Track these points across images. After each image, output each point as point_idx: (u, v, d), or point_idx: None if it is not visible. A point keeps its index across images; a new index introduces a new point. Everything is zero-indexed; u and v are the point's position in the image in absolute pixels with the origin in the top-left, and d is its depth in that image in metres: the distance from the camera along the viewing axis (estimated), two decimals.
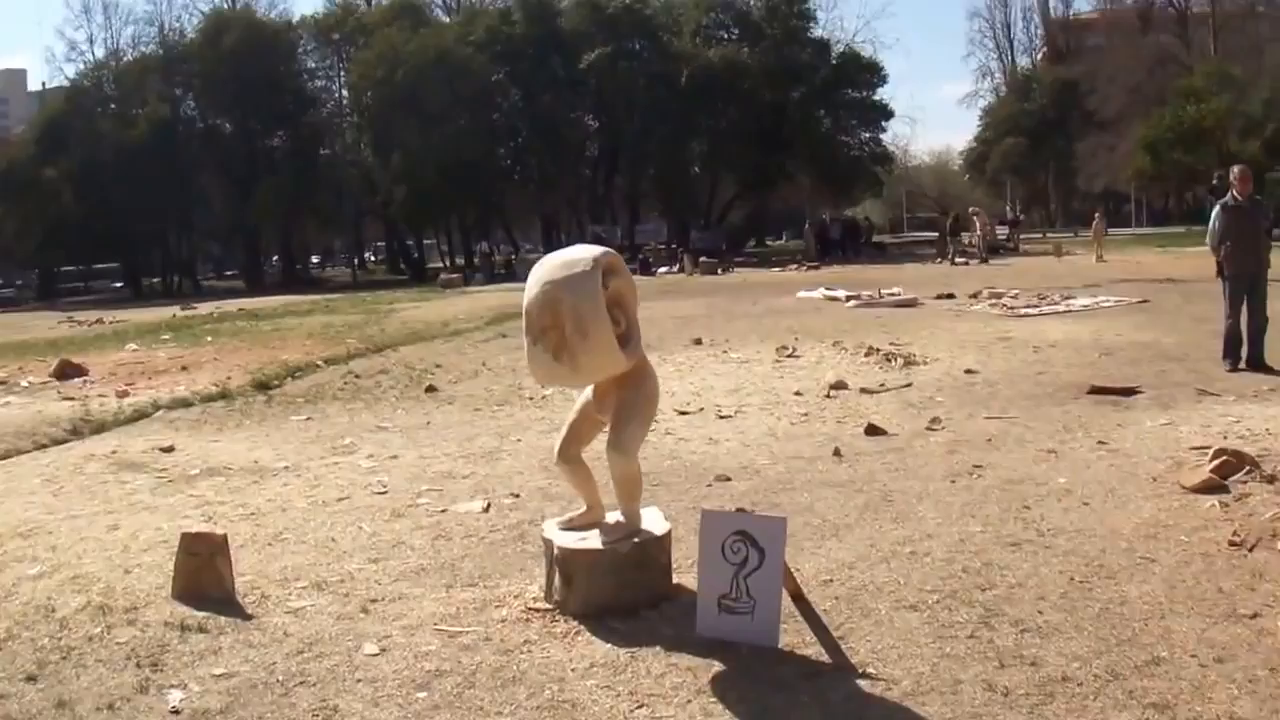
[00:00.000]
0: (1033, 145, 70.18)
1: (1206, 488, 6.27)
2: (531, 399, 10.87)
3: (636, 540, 4.89)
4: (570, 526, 5.04)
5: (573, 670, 4.25)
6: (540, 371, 4.83)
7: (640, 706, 3.94)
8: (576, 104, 52.35)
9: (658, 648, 4.43)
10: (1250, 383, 9.75)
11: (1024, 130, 70.86)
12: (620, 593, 4.79)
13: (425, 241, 60.42)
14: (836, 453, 7.75)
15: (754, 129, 50.92)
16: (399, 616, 4.84)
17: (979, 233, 37.96)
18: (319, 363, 14.56)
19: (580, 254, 4.73)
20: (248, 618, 4.86)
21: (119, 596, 5.14)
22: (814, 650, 4.41)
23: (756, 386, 10.88)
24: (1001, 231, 45.26)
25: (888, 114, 56.15)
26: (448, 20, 59.06)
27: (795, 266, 38.35)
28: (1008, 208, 70.60)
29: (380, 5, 56.31)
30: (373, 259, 68.56)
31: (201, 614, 4.86)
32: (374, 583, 5.30)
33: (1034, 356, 12.05)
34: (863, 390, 10.34)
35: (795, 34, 53.08)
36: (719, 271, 37.25)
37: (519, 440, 8.76)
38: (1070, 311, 16.97)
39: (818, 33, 56.46)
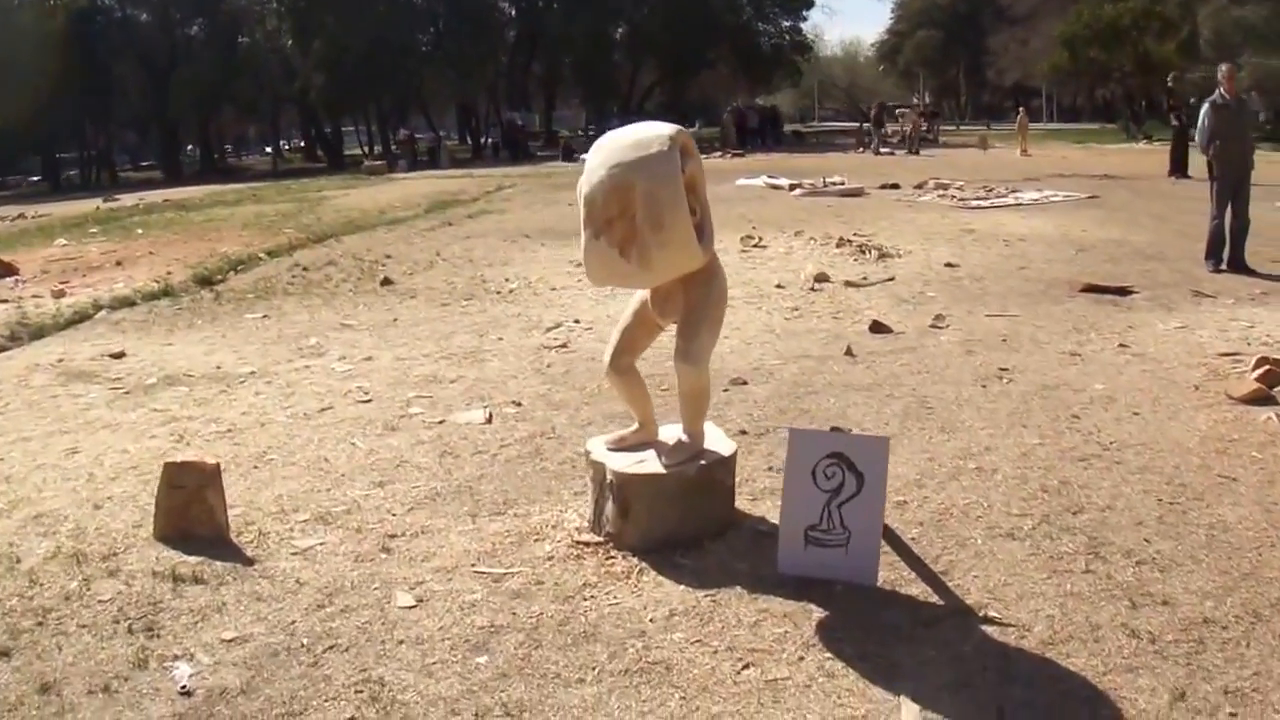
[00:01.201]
0: (946, 38, 69.31)
1: (1255, 398, 5.82)
2: (499, 293, 9.98)
3: (703, 462, 4.16)
4: (621, 446, 4.28)
5: (651, 621, 3.54)
6: (600, 270, 4.00)
7: (746, 666, 3.26)
8: None
9: (738, 588, 3.76)
10: (1239, 284, 9.29)
11: (937, 23, 69.88)
12: (683, 523, 4.08)
13: (343, 130, 57.78)
14: (849, 352, 7.10)
15: (676, 15, 49.08)
16: (427, 556, 4.07)
17: (909, 126, 37.61)
18: (261, 255, 13.39)
19: (652, 131, 3.89)
20: (249, 562, 4.04)
21: (93, 539, 4.27)
22: (918, 590, 3.76)
23: (733, 278, 10.08)
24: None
25: (809, 3, 54.70)
26: None
27: (719, 154, 37.29)
28: (915, 99, 69.89)
29: None
30: (287, 147, 65.43)
31: (194, 559, 4.03)
32: (386, 513, 4.51)
33: (1008, 251, 11.47)
34: (847, 283, 9.67)
35: None
36: None
37: (500, 339, 7.92)
38: (1021, 205, 16.43)
39: None
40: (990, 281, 9.69)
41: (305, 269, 12.13)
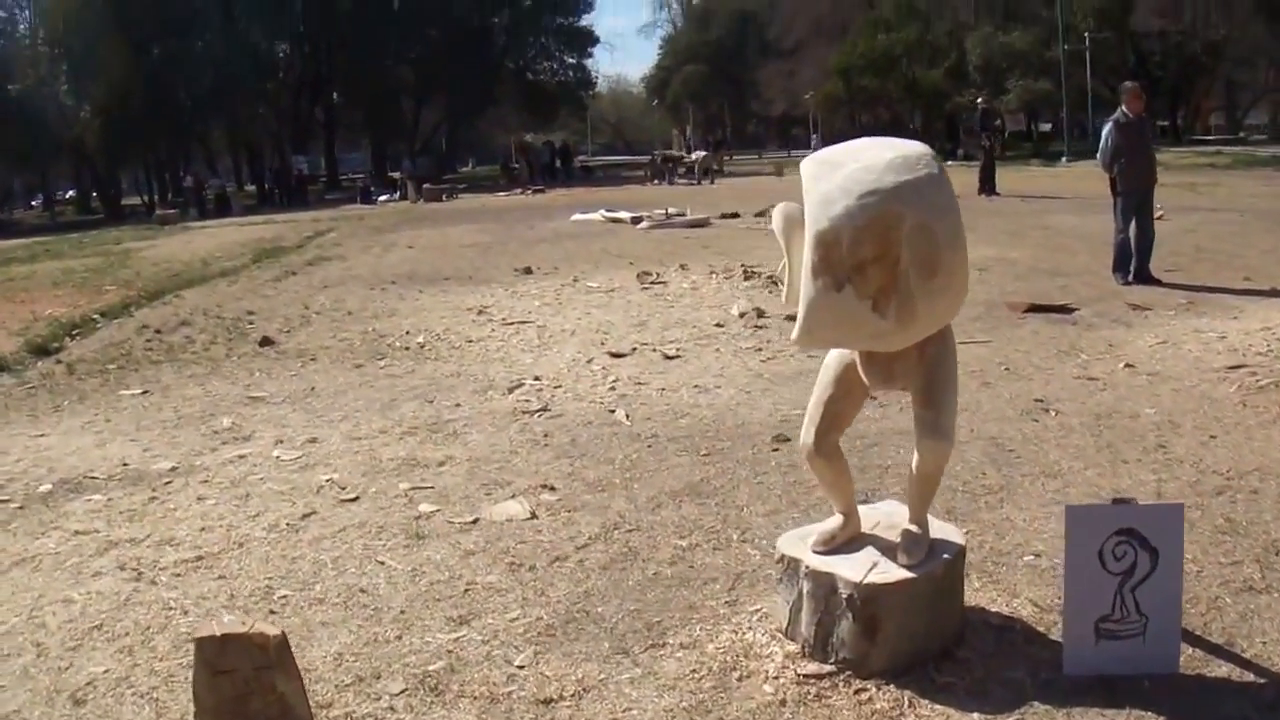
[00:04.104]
0: (711, 72, 70.70)
1: None
2: (408, 349, 8.60)
3: (945, 556, 3.20)
4: (832, 547, 3.24)
5: None
6: (831, 330, 2.94)
7: None
8: (282, 31, 46.77)
9: (1038, 704, 2.88)
10: (1158, 296, 9.13)
11: (703, 58, 71.21)
12: (930, 634, 3.14)
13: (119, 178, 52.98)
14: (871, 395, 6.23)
15: (464, 54, 47.74)
16: None
17: (699, 163, 37.75)
18: (94, 316, 11.35)
19: (910, 149, 2.91)
20: None
21: None
22: (1225, 669, 3.00)
23: (662, 319, 9.15)
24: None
25: (593, 39, 54.54)
26: None
27: (520, 190, 36.19)
28: (675, 131, 70.56)
29: None
30: (60, 198, 59.45)
31: None
32: (504, 664, 3.27)
33: None
34: (788, 318, 8.81)
35: None
36: (444, 198, 34.20)
37: (457, 405, 6.61)
38: None
39: None
40: None
41: (158, 331, 10.28)
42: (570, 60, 54.62)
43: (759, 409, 6.12)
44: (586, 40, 54.35)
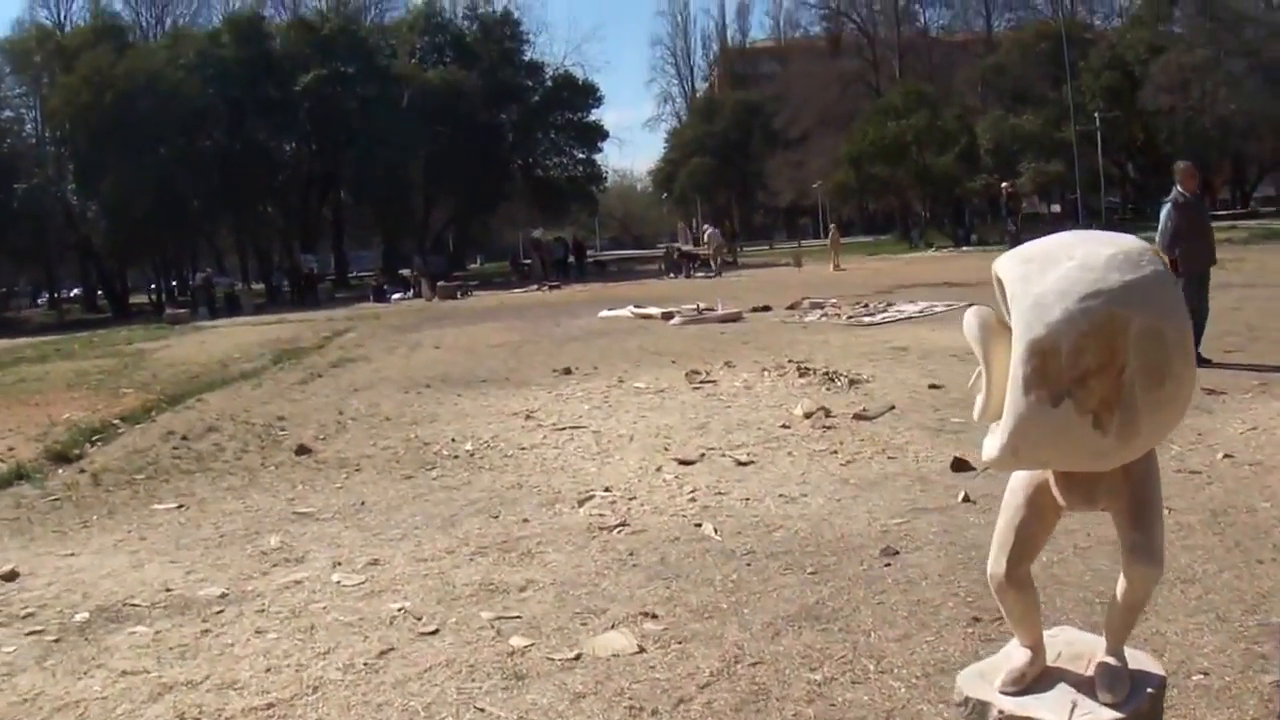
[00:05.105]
0: (718, 164, 71.50)
1: None
2: (457, 458, 8.20)
3: (1150, 691, 2.84)
4: (1023, 686, 2.84)
5: None
6: (1044, 450, 2.58)
7: None
8: (290, 129, 47.35)
9: None
10: (1230, 378, 8.93)
11: (709, 150, 72.08)
12: None
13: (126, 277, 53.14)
14: (966, 498, 5.86)
15: (473, 151, 48.27)
16: None
17: (712, 250, 37.86)
18: (115, 421, 11.00)
19: (1130, 243, 2.59)
20: None
21: None
22: None
23: (723, 422, 8.76)
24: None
25: (603, 134, 55.24)
26: (152, 42, 52.10)
27: (536, 287, 36.18)
28: (680, 224, 71.19)
29: (79, 27, 48.78)
30: (65, 297, 59.69)
31: None
32: None
33: (964, 365, 10.56)
34: (855, 417, 8.48)
35: (509, 56, 50.98)
36: (459, 295, 34.20)
37: (526, 520, 6.18)
38: (911, 318, 15.96)
39: (530, 55, 54.67)
40: None
41: (185, 438, 9.91)
42: (580, 155, 55.17)
43: (855, 519, 5.70)
44: (596, 135, 55.02)
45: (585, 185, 55.26)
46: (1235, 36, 41.92)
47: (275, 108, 44.48)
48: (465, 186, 50.55)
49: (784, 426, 8.34)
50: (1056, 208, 50.54)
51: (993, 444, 2.63)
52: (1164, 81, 40.61)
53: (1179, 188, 9.80)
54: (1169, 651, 3.74)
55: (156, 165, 39.24)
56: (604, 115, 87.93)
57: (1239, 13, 42.65)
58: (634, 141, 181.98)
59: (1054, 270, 2.50)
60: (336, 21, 47.86)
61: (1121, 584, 2.81)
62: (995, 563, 2.90)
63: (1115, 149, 40.18)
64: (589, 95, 53.74)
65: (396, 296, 37.02)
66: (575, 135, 54.32)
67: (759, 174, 66.82)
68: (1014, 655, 2.95)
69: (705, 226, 42.48)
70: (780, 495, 6.29)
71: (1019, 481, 2.92)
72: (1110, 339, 2.41)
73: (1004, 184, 24.26)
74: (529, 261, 44.77)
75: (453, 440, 8.80)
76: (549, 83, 53.46)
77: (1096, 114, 40.44)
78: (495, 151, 50.08)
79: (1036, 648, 2.95)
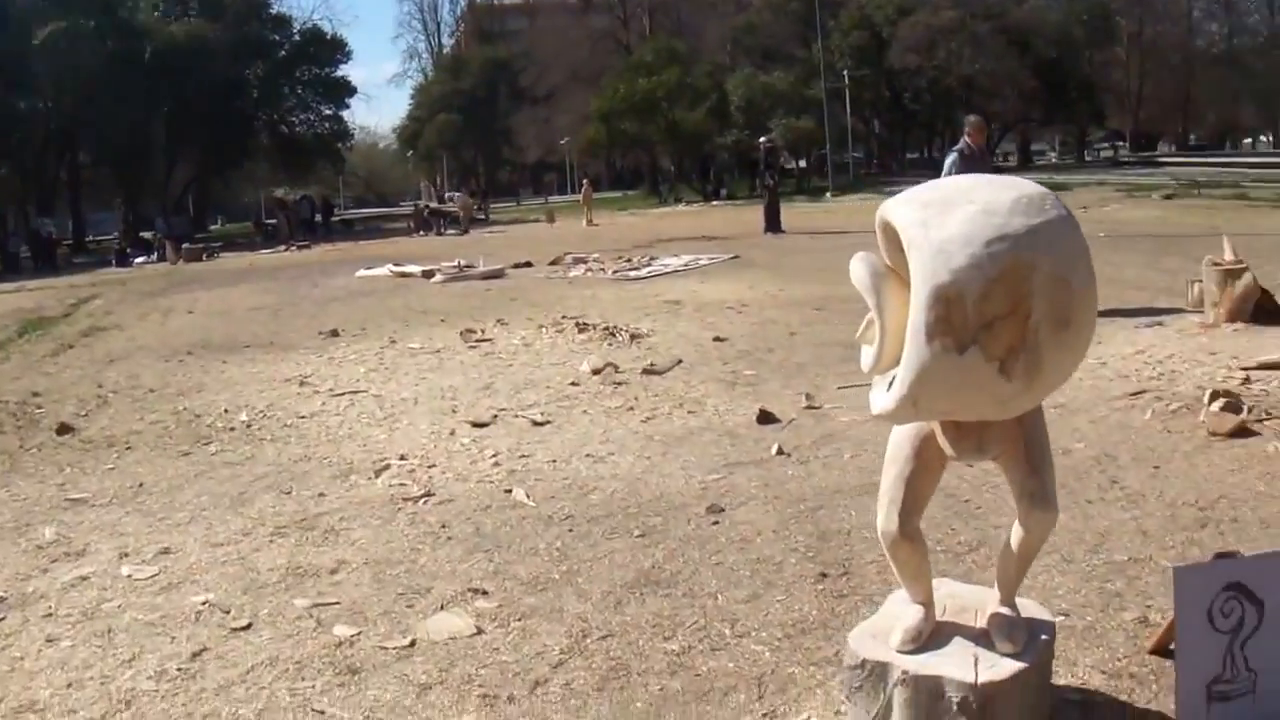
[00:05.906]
0: (465, 122, 70.26)
1: (1239, 430, 5.59)
2: (234, 429, 7.54)
3: (1044, 638, 2.90)
4: (920, 644, 2.82)
5: None
6: (950, 398, 2.52)
7: None
8: (26, 86, 42.42)
9: None
10: None
11: (456, 107, 70.68)
12: None
13: None
14: (780, 451, 5.91)
15: (217, 107, 45.12)
16: None
17: (459, 207, 37.44)
18: None
19: (1031, 187, 2.55)
20: None
21: None
22: None
23: (508, 381, 8.51)
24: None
25: (350, 90, 52.96)
26: None
27: (284, 248, 34.35)
28: (424, 181, 69.71)
29: None
30: None
31: None
32: None
33: (754, 318, 10.92)
34: (644, 371, 8.45)
35: (256, 9, 47.85)
36: (205, 258, 32.12)
37: (321, 494, 5.69)
38: (677, 271, 16.18)
39: (277, 8, 51.60)
40: (781, 351, 9.00)
41: None
42: (327, 112, 52.73)
43: (670, 477, 5.63)
44: (343, 91, 52.73)
45: (332, 142, 52.87)
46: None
47: (9, 63, 39.82)
48: (209, 145, 47.32)
49: (573, 384, 8.19)
50: (803, 163, 52.81)
51: (887, 395, 2.56)
52: (911, 42, 42.96)
53: (967, 139, 10.16)
54: (1026, 595, 3.83)
55: None
56: (351, 71, 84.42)
57: None
58: (380, 98, 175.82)
59: (955, 214, 2.43)
60: None
61: (1017, 532, 2.81)
62: (887, 519, 2.85)
63: (863, 106, 42.11)
64: (337, 50, 51.39)
65: (140, 260, 34.41)
66: (322, 91, 51.85)
67: (506, 131, 66.21)
68: (906, 613, 2.90)
69: (451, 195, 41.87)
70: (587, 455, 6.14)
71: (903, 435, 2.87)
72: (1017, 284, 2.37)
73: (763, 140, 24.95)
74: (274, 221, 42.44)
75: (225, 411, 8.12)
76: (296, 37, 50.65)
77: (845, 72, 42.28)
78: (240, 108, 47.05)
79: (928, 603, 2.93)
